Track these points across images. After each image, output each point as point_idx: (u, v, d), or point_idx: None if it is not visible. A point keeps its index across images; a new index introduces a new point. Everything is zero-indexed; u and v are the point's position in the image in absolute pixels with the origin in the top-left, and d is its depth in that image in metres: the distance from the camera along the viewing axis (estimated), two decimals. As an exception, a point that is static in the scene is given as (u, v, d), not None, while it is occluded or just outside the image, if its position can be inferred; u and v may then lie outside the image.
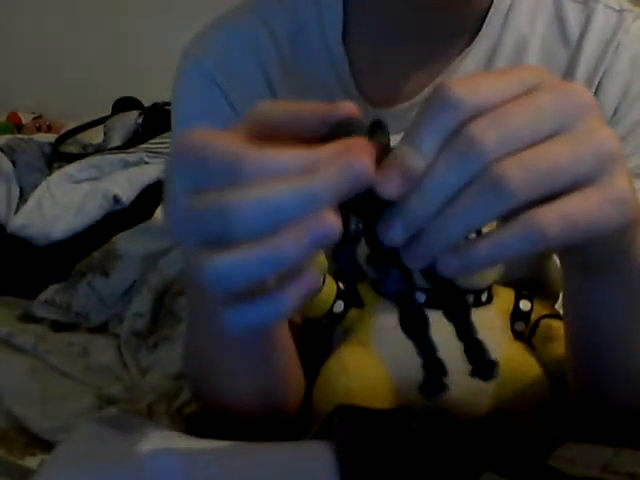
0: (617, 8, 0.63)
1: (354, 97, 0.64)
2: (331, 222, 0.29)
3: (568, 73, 0.62)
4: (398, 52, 0.63)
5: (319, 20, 0.64)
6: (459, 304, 0.38)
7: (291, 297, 0.31)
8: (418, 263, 0.33)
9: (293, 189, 0.30)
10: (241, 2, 0.68)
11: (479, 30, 0.63)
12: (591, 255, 0.41)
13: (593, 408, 0.53)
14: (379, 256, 0.35)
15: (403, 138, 0.33)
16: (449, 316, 0.38)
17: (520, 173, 0.31)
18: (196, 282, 0.45)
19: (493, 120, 0.32)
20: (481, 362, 0.38)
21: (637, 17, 0.63)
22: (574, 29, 0.63)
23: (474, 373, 0.38)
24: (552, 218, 0.32)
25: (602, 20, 0.62)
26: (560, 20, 0.63)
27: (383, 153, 0.32)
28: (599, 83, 0.61)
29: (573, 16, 0.63)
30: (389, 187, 0.32)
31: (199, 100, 0.66)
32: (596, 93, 0.61)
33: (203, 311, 0.52)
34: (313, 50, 0.64)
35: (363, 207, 0.33)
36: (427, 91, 0.62)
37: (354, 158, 0.30)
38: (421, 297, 0.56)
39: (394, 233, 0.33)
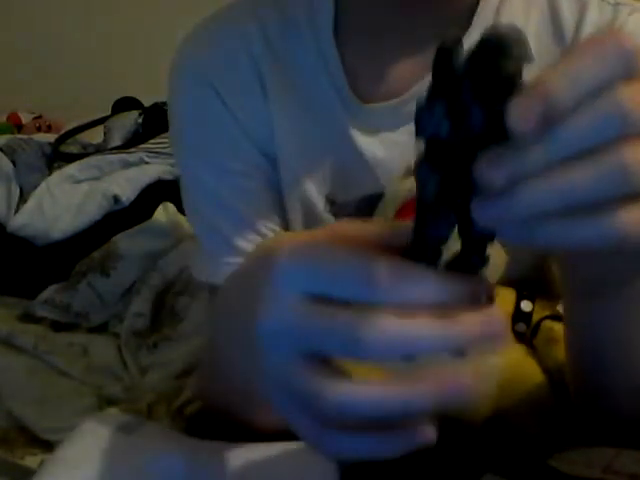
0: (612, 2, 0.62)
1: (345, 93, 0.63)
2: (466, 384, 0.29)
3: None
4: (388, 48, 0.63)
5: (310, 16, 0.64)
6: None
7: (402, 444, 0.31)
8: (489, 219, 0.29)
9: (433, 329, 0.29)
10: (232, 0, 0.68)
11: (469, 24, 0.62)
12: (604, 276, 0.40)
13: (594, 413, 0.53)
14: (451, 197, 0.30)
15: (553, 69, 0.28)
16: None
17: None
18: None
19: None
20: None
21: (633, 11, 0.62)
22: (568, 24, 0.62)
23: None
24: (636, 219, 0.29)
25: (597, 14, 0.62)
26: (554, 15, 0.63)
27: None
28: None
29: (567, 11, 0.62)
30: (524, 120, 0.27)
31: (193, 98, 0.66)
32: None
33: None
34: (304, 46, 0.64)
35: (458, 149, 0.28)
36: (418, 87, 0.62)
37: (494, 329, 0.29)
38: None
39: (498, 174, 0.28)
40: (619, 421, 0.51)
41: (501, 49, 0.27)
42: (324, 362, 0.30)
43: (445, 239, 0.31)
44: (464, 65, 0.28)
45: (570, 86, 0.27)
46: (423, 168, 0.30)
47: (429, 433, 0.30)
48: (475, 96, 0.28)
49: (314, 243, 0.31)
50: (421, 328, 0.29)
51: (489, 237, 0.31)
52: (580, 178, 0.28)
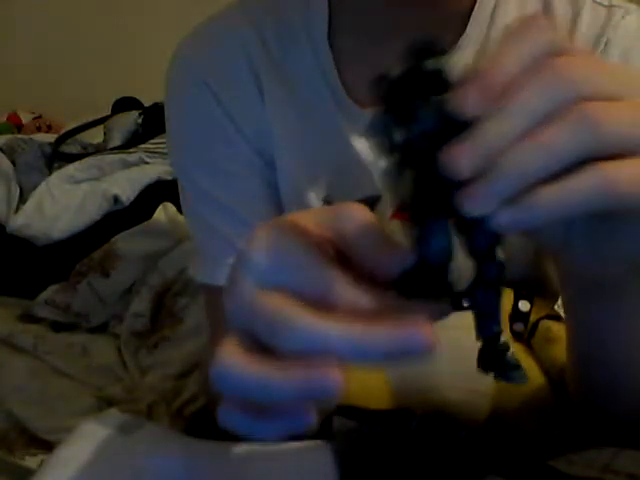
0: (606, 4, 0.62)
1: (341, 96, 0.64)
2: (334, 380, 0.28)
3: None
4: (383, 52, 0.63)
5: (305, 19, 0.64)
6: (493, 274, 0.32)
7: (278, 428, 0.30)
8: (479, 206, 0.28)
9: (341, 331, 0.28)
10: (231, 2, 0.68)
11: (465, 27, 0.62)
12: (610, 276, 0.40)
13: (594, 413, 0.53)
14: (427, 202, 0.29)
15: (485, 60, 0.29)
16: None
17: (614, 114, 0.28)
18: None
19: (587, 62, 0.29)
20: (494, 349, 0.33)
21: (627, 13, 0.62)
22: (563, 26, 0.62)
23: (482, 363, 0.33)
24: (626, 172, 0.28)
25: (591, 16, 0.62)
26: (548, 17, 0.63)
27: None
28: None
29: (561, 13, 0.63)
30: (467, 103, 0.28)
31: (191, 101, 0.66)
32: None
33: None
34: (299, 49, 0.64)
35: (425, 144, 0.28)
36: None
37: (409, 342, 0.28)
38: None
39: (462, 162, 0.28)
40: (618, 421, 0.51)
41: (421, 52, 0.29)
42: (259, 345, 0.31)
43: (447, 251, 0.30)
44: (398, 76, 0.29)
45: (502, 66, 0.29)
46: (391, 177, 0.30)
47: (307, 418, 0.30)
48: (414, 98, 0.29)
49: (280, 235, 0.32)
50: (330, 330, 0.28)
51: (494, 238, 0.31)
52: (553, 137, 0.28)
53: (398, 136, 0.29)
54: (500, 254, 0.31)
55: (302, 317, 0.29)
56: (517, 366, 0.32)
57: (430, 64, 0.28)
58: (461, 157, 0.28)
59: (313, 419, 0.30)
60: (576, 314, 0.49)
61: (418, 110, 0.29)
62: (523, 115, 0.28)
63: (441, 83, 0.29)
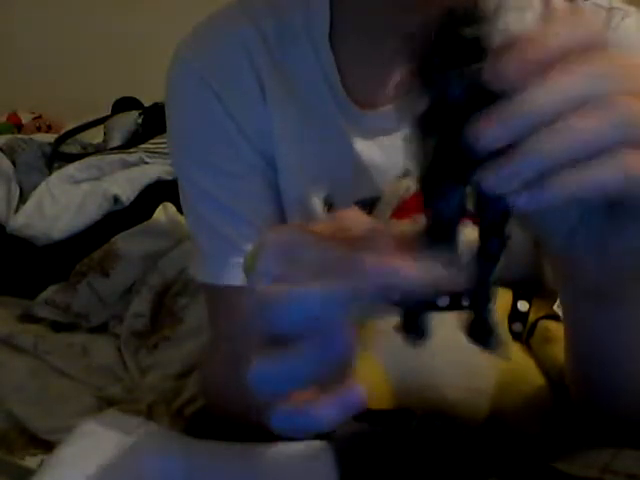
0: (606, 6, 0.63)
1: (342, 98, 0.64)
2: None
3: None
4: (384, 53, 0.63)
5: (306, 20, 0.64)
6: (495, 257, 0.32)
7: (332, 414, 0.31)
8: (499, 185, 0.28)
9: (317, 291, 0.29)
10: (231, 1, 0.68)
11: None
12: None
13: (594, 413, 0.53)
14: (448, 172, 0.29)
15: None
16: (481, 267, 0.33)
17: None
18: None
19: (629, 61, 0.30)
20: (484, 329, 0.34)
21: (626, 15, 0.62)
22: None
23: (472, 335, 0.34)
24: None
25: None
26: (549, 19, 0.63)
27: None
28: None
29: (562, 15, 0.63)
30: (503, 74, 0.27)
31: (191, 101, 0.66)
32: None
33: None
34: (300, 50, 0.64)
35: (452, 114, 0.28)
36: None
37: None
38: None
39: (488, 135, 0.27)
40: (619, 421, 0.51)
41: (460, 18, 0.28)
42: None
43: (456, 214, 0.30)
44: (433, 41, 0.28)
45: (548, 42, 0.29)
46: (415, 142, 0.30)
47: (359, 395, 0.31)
48: (448, 65, 0.28)
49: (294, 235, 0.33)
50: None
51: (505, 215, 0.31)
52: (587, 124, 0.28)
53: (426, 101, 0.29)
54: (507, 231, 0.31)
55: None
56: (502, 340, 0.33)
57: (468, 31, 0.28)
58: (488, 130, 0.28)
59: (362, 393, 0.31)
60: (575, 317, 0.48)
61: (450, 76, 0.28)
62: (560, 97, 0.28)
63: (477, 52, 0.28)
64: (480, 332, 0.33)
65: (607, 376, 0.50)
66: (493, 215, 0.31)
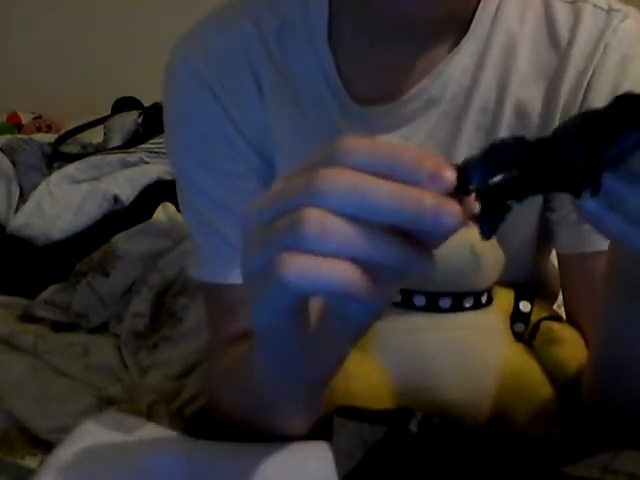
0: (606, 8, 0.63)
1: (341, 95, 0.64)
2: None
3: (557, 73, 0.62)
4: (384, 51, 0.63)
5: (305, 18, 0.64)
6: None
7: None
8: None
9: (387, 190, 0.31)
10: (231, 0, 0.68)
11: (467, 29, 0.63)
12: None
13: (607, 414, 0.53)
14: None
15: None
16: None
17: None
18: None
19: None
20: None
21: (625, 17, 0.63)
22: (563, 29, 0.63)
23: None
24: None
25: (590, 20, 0.62)
26: (549, 20, 0.63)
27: None
28: (588, 83, 0.62)
29: (562, 16, 0.63)
30: None
31: (189, 100, 0.66)
32: (585, 93, 0.62)
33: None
34: (299, 48, 0.64)
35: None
36: (414, 90, 0.63)
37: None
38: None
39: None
40: (630, 424, 0.51)
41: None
42: None
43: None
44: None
45: None
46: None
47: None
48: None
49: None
50: (377, 187, 0.31)
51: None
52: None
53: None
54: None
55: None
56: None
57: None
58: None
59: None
60: (621, 316, 0.49)
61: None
62: None
63: None
64: (492, 210, 0.34)
65: (633, 374, 0.50)
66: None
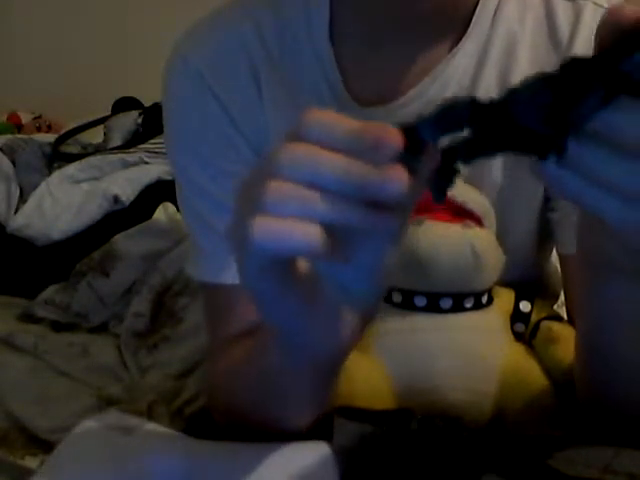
0: (606, 6, 0.63)
1: (341, 96, 0.63)
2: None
3: None
4: (384, 51, 0.63)
5: (306, 18, 0.64)
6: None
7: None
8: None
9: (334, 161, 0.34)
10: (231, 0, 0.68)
11: (467, 29, 0.63)
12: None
13: (601, 411, 0.53)
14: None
15: None
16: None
17: None
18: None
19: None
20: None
21: None
22: (564, 27, 0.63)
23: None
24: None
25: (591, 18, 0.62)
26: (550, 19, 0.63)
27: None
28: None
29: (562, 14, 0.63)
30: None
31: (189, 99, 0.66)
32: None
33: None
34: (300, 48, 0.64)
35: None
36: (414, 90, 0.63)
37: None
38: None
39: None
40: (627, 419, 0.51)
41: None
42: None
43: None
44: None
45: None
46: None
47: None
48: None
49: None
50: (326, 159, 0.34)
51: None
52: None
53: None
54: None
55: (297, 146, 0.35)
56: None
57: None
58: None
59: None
60: (596, 287, 0.49)
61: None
62: None
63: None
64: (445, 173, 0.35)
65: (619, 361, 0.50)
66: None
